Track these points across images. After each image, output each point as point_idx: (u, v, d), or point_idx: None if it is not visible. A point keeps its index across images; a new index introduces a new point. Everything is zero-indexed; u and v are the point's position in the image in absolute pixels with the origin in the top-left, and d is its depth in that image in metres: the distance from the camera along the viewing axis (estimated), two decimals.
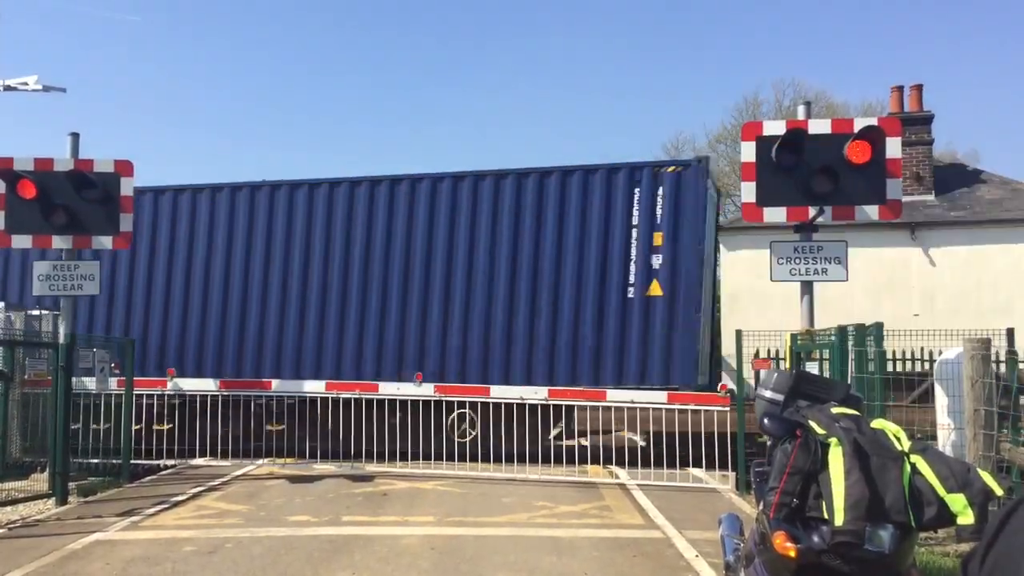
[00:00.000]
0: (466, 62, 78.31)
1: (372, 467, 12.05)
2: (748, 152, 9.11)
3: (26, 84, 15.90)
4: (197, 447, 12.91)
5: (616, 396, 11.93)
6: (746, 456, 10.51)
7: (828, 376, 8.17)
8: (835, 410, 4.45)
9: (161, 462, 12.55)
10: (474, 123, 75.26)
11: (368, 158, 73.25)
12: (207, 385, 13.09)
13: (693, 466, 11.64)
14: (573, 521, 8.95)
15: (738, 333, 11.31)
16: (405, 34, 77.84)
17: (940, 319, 17.09)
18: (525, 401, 11.98)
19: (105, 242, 10.83)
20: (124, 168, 10.82)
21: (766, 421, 4.39)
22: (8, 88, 15.81)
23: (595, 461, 12.36)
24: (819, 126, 9.16)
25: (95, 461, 11.77)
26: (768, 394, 5.00)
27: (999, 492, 3.88)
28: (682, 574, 6.93)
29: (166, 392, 13.00)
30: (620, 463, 12.33)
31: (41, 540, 8.04)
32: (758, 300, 18.85)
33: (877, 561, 3.90)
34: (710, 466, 11.72)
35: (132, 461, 11.77)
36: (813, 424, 4.24)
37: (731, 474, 11.15)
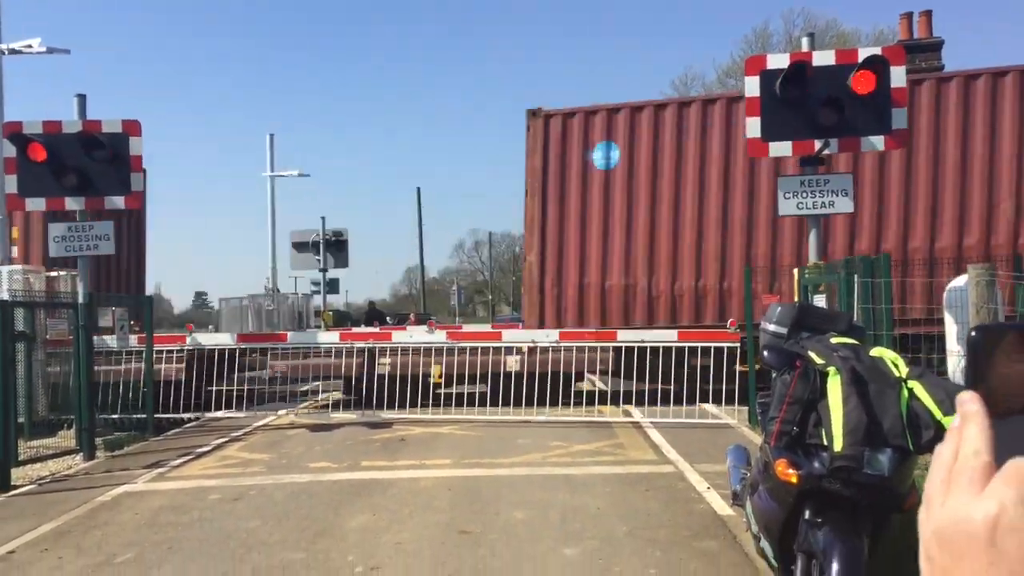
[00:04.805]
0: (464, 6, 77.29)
1: (389, 414, 12.25)
2: (752, 87, 9.05)
3: (30, 47, 15.83)
4: (213, 400, 13.08)
5: (626, 336, 12.03)
6: (756, 390, 10.63)
7: (835, 308, 8.25)
8: (835, 340, 4.54)
9: (184, 415, 12.78)
10: (477, 64, 74.44)
11: None
12: (224, 340, 13.30)
13: (708, 402, 11.79)
14: (587, 459, 9.12)
15: (747, 269, 11.35)
16: None
17: None
18: (537, 344, 12.12)
19: (117, 202, 10.93)
20: (132, 128, 10.86)
21: (766, 353, 4.48)
22: (12, 52, 15.74)
23: (611, 401, 12.50)
24: (823, 58, 9.07)
25: (118, 416, 12.02)
26: (772, 327, 5.09)
27: None
28: (694, 505, 7.08)
29: (185, 347, 13.18)
30: (633, 402, 12.48)
31: (70, 494, 8.28)
32: None
33: (877, 484, 4.00)
34: (725, 402, 11.87)
35: (156, 415, 12.01)
36: (812, 354, 4.33)
37: (744, 408, 11.30)
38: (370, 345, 12.68)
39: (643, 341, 11.81)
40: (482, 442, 10.30)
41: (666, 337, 11.80)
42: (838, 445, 3.97)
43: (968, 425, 0.69)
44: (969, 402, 0.70)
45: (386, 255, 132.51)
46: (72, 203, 10.81)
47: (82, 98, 10.96)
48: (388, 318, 28.42)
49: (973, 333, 0.73)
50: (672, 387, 11.79)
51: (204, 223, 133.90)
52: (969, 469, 0.66)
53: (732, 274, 12.93)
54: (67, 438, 10.68)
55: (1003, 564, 0.62)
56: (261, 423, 12.10)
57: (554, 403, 12.03)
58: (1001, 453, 0.66)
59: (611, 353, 12.13)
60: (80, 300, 10.74)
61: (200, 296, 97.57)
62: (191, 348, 13.06)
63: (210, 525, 6.92)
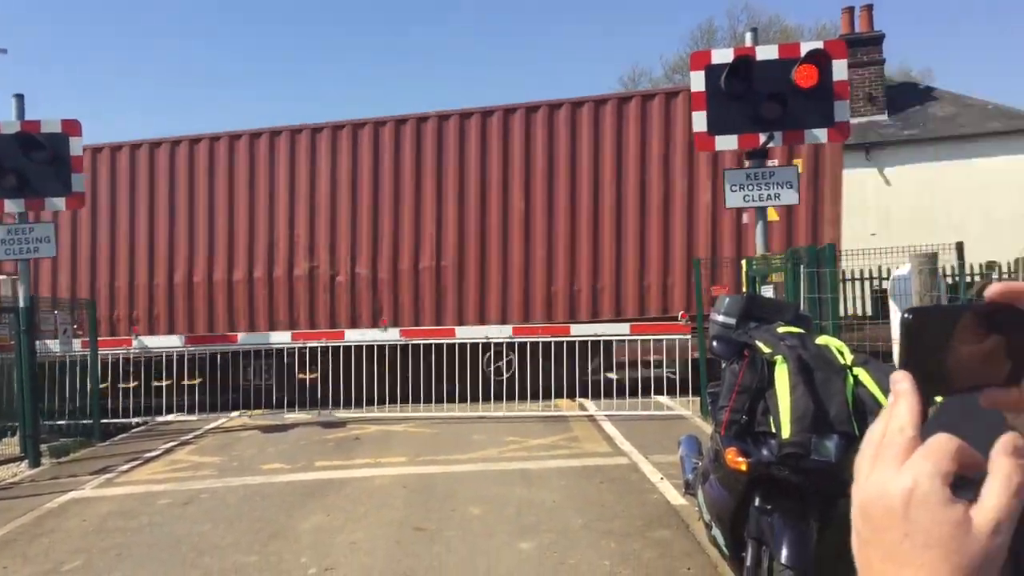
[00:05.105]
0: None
1: (344, 413, 12.17)
2: (698, 82, 9.14)
3: None
4: (164, 404, 12.91)
5: (580, 331, 12.11)
6: (708, 381, 10.75)
7: (782, 298, 8.37)
8: (781, 329, 4.60)
9: (132, 420, 12.57)
10: (420, 60, 74.22)
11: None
12: (172, 342, 13.08)
13: (662, 394, 11.90)
14: (542, 453, 9.15)
15: (695, 262, 11.47)
16: None
17: (896, 238, 17.41)
18: (491, 340, 12.13)
19: (58, 203, 10.69)
20: (72, 128, 10.63)
21: (715, 343, 4.53)
22: None
23: (568, 395, 12.56)
24: (766, 52, 9.17)
25: (63, 422, 11.78)
26: (721, 318, 5.15)
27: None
28: (647, 496, 7.15)
29: (131, 351, 12.95)
30: (588, 395, 12.56)
31: (16, 502, 8.11)
32: None
33: (824, 470, 4.07)
34: (679, 393, 11.98)
35: (103, 420, 11.79)
36: (759, 343, 4.38)
37: (697, 399, 11.41)
38: (322, 344, 12.56)
39: (596, 335, 11.94)
40: (437, 439, 10.28)
41: (619, 331, 11.92)
42: (786, 432, 4.03)
43: (898, 403, 0.70)
44: (901, 381, 0.72)
45: None
46: (11, 205, 10.56)
47: (20, 98, 10.69)
48: None
49: (907, 315, 0.75)
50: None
51: None
52: (895, 445, 0.68)
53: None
54: (11, 445, 10.45)
55: (917, 536, 0.63)
56: (212, 426, 11.94)
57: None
58: (945, 430, 0.68)
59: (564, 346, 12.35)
60: (21, 304, 10.49)
61: None
62: None
63: (160, 530, 6.82)
